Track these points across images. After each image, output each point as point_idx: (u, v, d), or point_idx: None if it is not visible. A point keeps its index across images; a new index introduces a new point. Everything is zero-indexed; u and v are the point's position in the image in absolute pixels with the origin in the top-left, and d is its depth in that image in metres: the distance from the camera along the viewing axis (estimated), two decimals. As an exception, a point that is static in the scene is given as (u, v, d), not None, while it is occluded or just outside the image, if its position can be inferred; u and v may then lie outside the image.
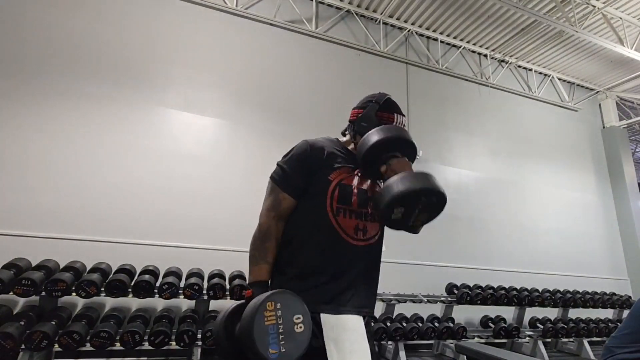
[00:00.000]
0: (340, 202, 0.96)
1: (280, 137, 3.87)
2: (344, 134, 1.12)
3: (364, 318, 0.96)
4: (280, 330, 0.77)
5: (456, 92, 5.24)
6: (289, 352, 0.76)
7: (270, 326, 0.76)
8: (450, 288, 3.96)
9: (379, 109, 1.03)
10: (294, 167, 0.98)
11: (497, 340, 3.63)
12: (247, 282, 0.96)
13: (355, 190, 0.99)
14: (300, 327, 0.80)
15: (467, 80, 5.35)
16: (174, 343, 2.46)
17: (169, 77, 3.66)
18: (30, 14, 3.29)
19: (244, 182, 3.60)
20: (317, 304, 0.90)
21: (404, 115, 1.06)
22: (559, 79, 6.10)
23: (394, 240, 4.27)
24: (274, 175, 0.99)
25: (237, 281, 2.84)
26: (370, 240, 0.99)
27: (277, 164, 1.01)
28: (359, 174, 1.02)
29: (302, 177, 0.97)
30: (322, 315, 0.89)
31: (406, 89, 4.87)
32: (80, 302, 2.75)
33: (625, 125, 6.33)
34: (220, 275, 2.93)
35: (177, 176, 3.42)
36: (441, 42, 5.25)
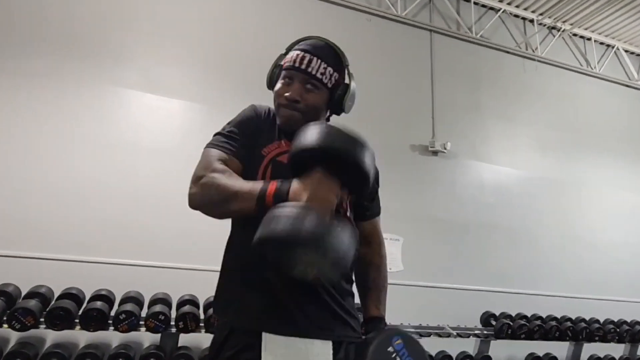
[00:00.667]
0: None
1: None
2: None
3: (336, 345, 0.90)
4: None
5: (494, 67, 5.21)
6: None
7: None
8: (487, 318, 3.91)
9: (284, 54, 1.08)
10: (241, 130, 1.02)
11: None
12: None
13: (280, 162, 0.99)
14: None
15: (508, 52, 5.32)
16: (132, 389, 2.44)
17: (126, 49, 3.64)
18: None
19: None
20: (257, 318, 0.88)
21: (310, 53, 1.01)
22: (626, 51, 6.05)
23: (412, 257, 4.26)
24: (212, 141, 1.00)
25: (212, 310, 2.81)
26: None
27: (216, 133, 1.04)
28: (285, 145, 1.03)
29: (245, 140, 1.00)
30: (264, 334, 0.85)
31: (430, 64, 4.82)
32: (13, 336, 2.72)
33: None
34: (193, 302, 2.91)
35: (138, 175, 3.40)
36: (475, 3, 5.22)
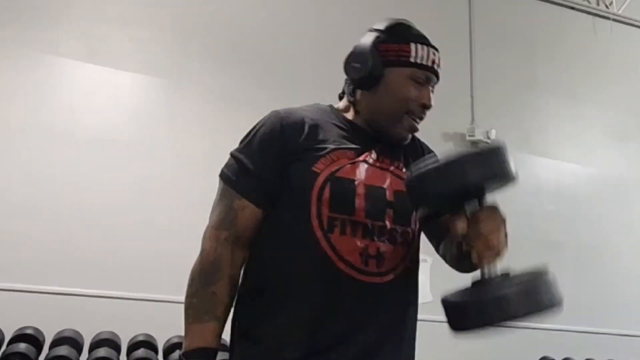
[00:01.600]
0: (334, 209, 0.93)
1: (248, 103, 3.84)
2: (340, 97, 1.14)
3: None
4: None
5: (554, 28, 5.25)
6: None
7: None
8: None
9: (383, 40, 1.02)
10: (257, 155, 0.97)
11: None
12: (180, 352, 0.94)
13: (362, 188, 0.96)
14: None
15: (572, 8, 5.36)
16: None
17: (62, 7, 3.68)
18: None
19: (190, 176, 3.60)
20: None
21: (434, 49, 1.04)
22: None
23: (444, 284, 4.22)
24: (225, 171, 0.98)
25: (175, 354, 2.83)
26: (388, 275, 0.96)
27: (231, 154, 1.01)
28: (371, 158, 1.00)
29: (271, 170, 0.96)
30: None
31: (468, 25, 4.89)
32: None
33: None
34: (149, 344, 2.94)
35: (78, 170, 3.44)
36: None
